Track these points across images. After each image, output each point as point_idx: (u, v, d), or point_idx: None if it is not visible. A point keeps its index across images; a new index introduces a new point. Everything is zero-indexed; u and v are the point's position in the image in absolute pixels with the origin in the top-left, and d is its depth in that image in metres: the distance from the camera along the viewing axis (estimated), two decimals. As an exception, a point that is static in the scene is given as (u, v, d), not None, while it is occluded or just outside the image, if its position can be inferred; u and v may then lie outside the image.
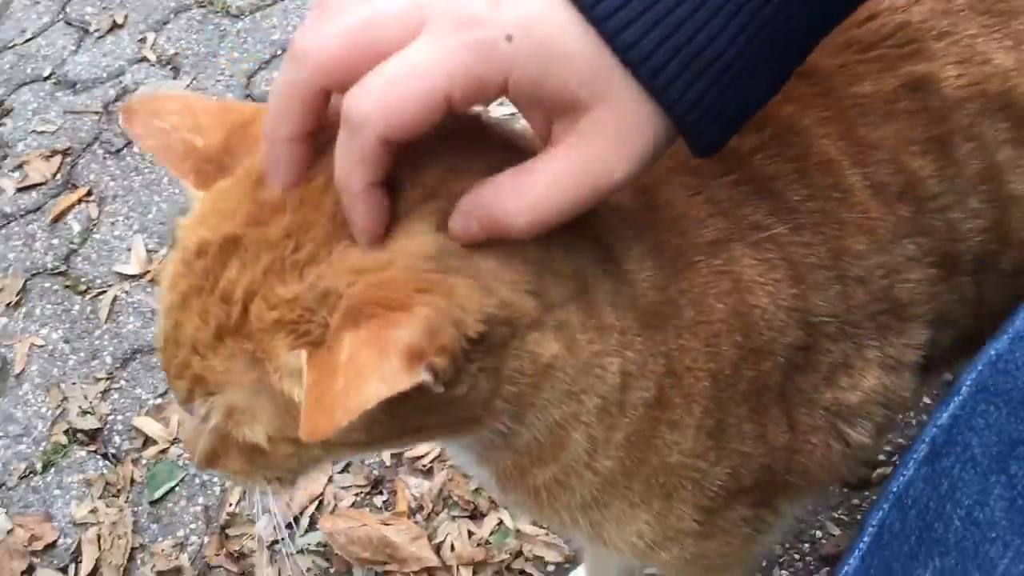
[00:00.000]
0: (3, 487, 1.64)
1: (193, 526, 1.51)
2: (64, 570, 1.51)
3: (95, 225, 1.94)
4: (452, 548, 1.36)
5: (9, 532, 1.56)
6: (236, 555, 1.46)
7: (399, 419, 0.56)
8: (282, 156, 0.53)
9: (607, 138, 0.51)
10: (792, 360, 0.66)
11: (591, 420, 0.62)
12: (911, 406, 1.17)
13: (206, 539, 1.49)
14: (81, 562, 1.50)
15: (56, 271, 1.87)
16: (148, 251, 1.85)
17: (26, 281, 1.87)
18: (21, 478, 1.64)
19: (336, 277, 0.51)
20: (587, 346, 0.59)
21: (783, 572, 1.20)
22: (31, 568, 1.52)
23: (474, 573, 1.33)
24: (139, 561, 1.49)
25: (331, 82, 0.49)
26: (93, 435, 1.65)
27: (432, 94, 0.47)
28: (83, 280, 1.85)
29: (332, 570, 1.41)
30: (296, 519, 1.48)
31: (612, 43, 0.47)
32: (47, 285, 1.86)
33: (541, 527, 1.34)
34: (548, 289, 0.56)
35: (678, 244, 0.63)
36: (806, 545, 1.21)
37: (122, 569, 1.47)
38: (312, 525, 1.46)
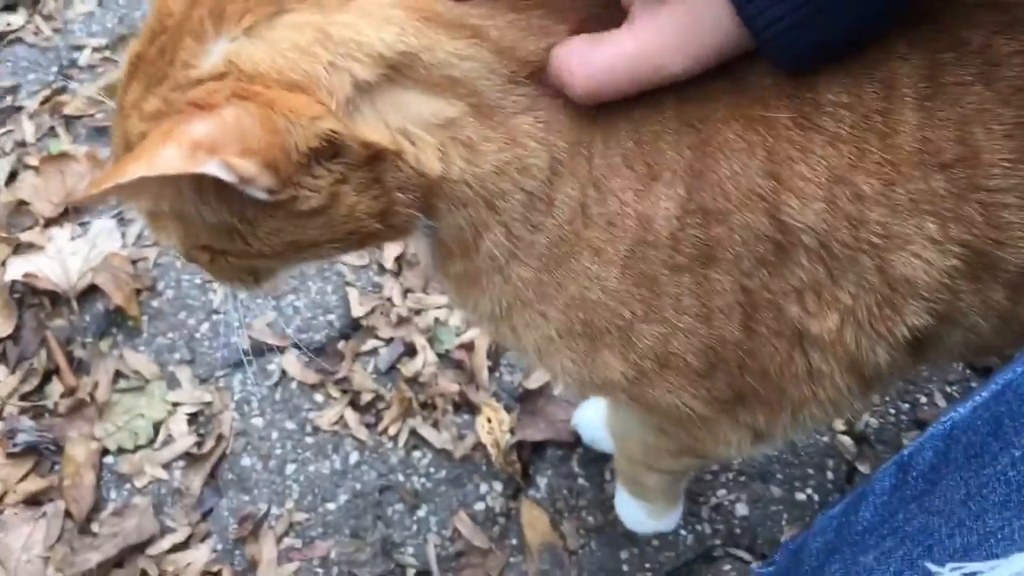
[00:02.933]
0: None
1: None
2: None
3: None
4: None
5: None
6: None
7: (264, 234, 0.59)
8: None
9: (674, 33, 0.54)
10: (760, 254, 0.60)
11: (513, 218, 0.62)
12: (899, 378, 1.19)
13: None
14: None
15: None
16: None
17: None
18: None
19: (183, 87, 0.55)
20: (493, 154, 0.58)
21: (872, 419, 1.34)
22: None
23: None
24: None
25: None
26: None
27: None
28: None
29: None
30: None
31: None
32: None
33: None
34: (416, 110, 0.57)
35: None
36: (906, 404, 1.32)
37: None
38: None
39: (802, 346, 0.65)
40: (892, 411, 1.32)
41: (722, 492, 1.27)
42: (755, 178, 0.59)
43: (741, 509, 1.25)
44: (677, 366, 0.66)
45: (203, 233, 0.61)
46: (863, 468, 1.28)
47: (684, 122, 0.59)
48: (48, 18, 2.00)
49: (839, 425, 1.31)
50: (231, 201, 0.57)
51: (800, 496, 1.26)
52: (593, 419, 1.24)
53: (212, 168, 0.51)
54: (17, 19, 2.00)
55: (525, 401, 1.36)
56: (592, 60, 0.56)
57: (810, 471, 1.28)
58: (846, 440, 1.30)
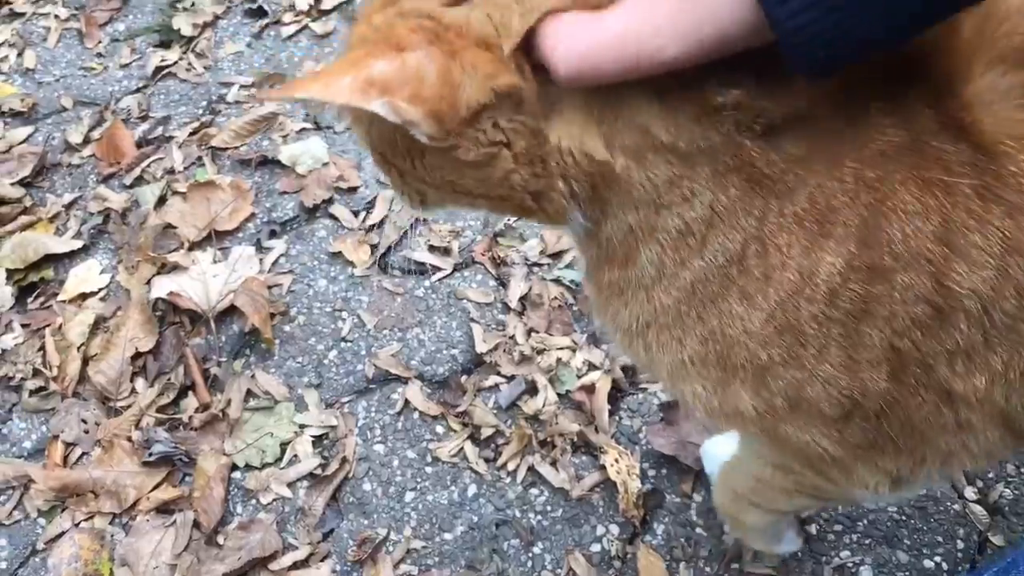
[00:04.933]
0: (330, 129, 1.88)
1: (472, 223, 1.69)
2: (356, 213, 1.74)
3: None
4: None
5: (324, 164, 1.81)
6: (498, 260, 1.63)
7: (428, 166, 0.64)
8: None
9: (670, 12, 0.49)
10: (916, 315, 0.59)
11: (666, 241, 0.62)
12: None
13: (479, 237, 1.68)
14: (372, 212, 1.73)
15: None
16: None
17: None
18: (347, 128, 1.85)
19: (399, 15, 0.58)
20: (664, 166, 0.58)
21: (1006, 489, 1.27)
22: (330, 200, 1.76)
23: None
24: (418, 231, 1.69)
25: None
26: None
27: None
28: None
29: (575, 307, 1.55)
30: (560, 253, 1.63)
31: None
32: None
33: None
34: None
35: (836, 130, 0.56)
36: None
37: (402, 231, 1.69)
38: (571, 265, 1.60)
39: (950, 401, 0.64)
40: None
41: (846, 553, 1.24)
42: (926, 242, 0.57)
43: (865, 572, 1.22)
44: (809, 410, 0.66)
45: (379, 142, 0.66)
46: (996, 539, 1.23)
47: (862, 181, 0.58)
48: (200, 56, 2.11)
49: (971, 493, 1.27)
50: (401, 128, 0.59)
51: (928, 563, 1.22)
52: (719, 453, 1.21)
53: (377, 107, 0.54)
54: (171, 55, 2.12)
55: (664, 410, 1.38)
56: (579, 40, 0.52)
57: (939, 538, 1.24)
58: (978, 509, 1.25)
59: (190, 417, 1.48)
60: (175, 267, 1.66)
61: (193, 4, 2.23)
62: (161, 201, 1.80)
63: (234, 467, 1.42)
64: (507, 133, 0.59)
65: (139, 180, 1.86)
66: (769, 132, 0.57)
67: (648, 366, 0.72)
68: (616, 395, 1.42)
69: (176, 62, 2.11)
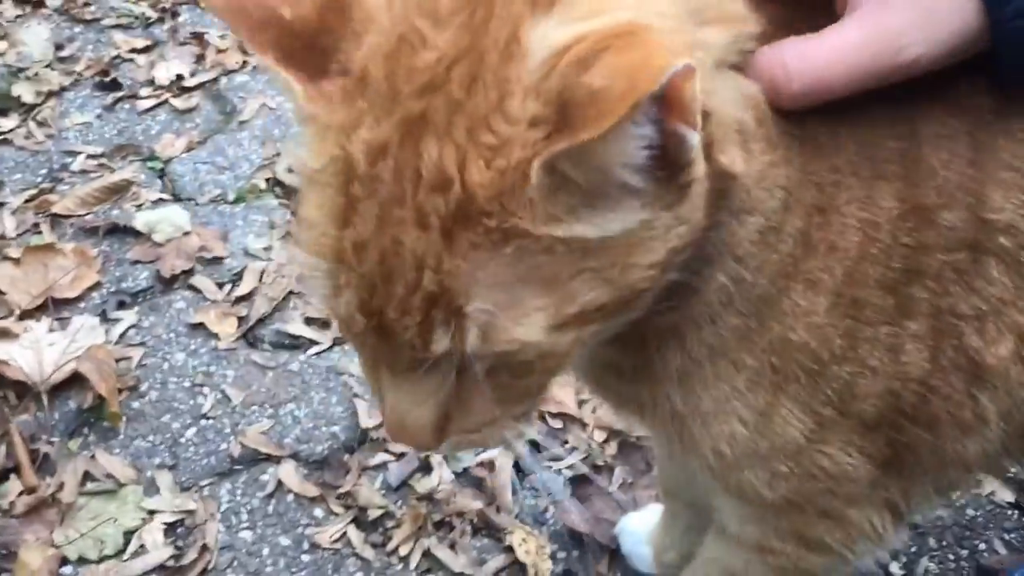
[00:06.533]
0: (192, 201, 1.73)
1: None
2: (220, 285, 1.57)
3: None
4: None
5: (186, 234, 1.65)
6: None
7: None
8: None
9: (914, 10, 0.49)
10: (956, 260, 0.57)
11: (746, 251, 0.56)
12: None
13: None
14: (239, 284, 1.57)
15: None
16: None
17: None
18: (211, 200, 1.73)
19: (535, 89, 0.44)
20: (759, 156, 0.53)
21: (931, 564, 1.24)
22: (191, 271, 1.59)
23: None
24: (292, 304, 1.53)
25: None
26: (291, 190, 1.70)
27: None
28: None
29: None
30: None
31: None
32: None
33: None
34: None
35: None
36: (965, 551, 1.23)
37: (274, 303, 1.52)
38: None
39: (975, 383, 0.61)
40: (951, 556, 1.23)
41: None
42: (962, 167, 0.56)
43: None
44: (854, 413, 0.62)
45: (584, 287, 0.48)
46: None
47: (896, 115, 0.56)
48: (42, 124, 1.94)
49: (896, 568, 1.21)
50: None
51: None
52: (638, 531, 1.15)
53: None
54: (8, 123, 1.94)
55: (577, 485, 1.26)
56: (811, 54, 0.51)
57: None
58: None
59: (11, 503, 1.24)
60: (4, 334, 1.43)
61: (37, 74, 2.06)
62: (-13, 267, 1.58)
63: (64, 561, 1.19)
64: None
65: (-39, 246, 1.63)
66: None
67: (673, 419, 0.64)
68: (518, 472, 1.29)
69: (13, 129, 1.92)
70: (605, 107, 0.40)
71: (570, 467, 1.30)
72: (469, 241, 0.45)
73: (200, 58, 2.11)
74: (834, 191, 0.56)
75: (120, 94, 2.02)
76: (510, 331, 0.47)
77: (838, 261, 0.57)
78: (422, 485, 1.27)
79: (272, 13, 0.48)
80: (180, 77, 2.04)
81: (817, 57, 0.51)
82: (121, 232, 1.67)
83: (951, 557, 1.23)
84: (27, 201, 1.74)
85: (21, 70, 2.08)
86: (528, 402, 0.58)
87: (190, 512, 1.24)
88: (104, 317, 1.51)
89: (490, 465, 1.29)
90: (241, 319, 1.51)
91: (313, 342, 1.47)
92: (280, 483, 1.28)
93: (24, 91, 2.01)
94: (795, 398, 0.61)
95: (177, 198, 1.76)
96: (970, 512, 1.26)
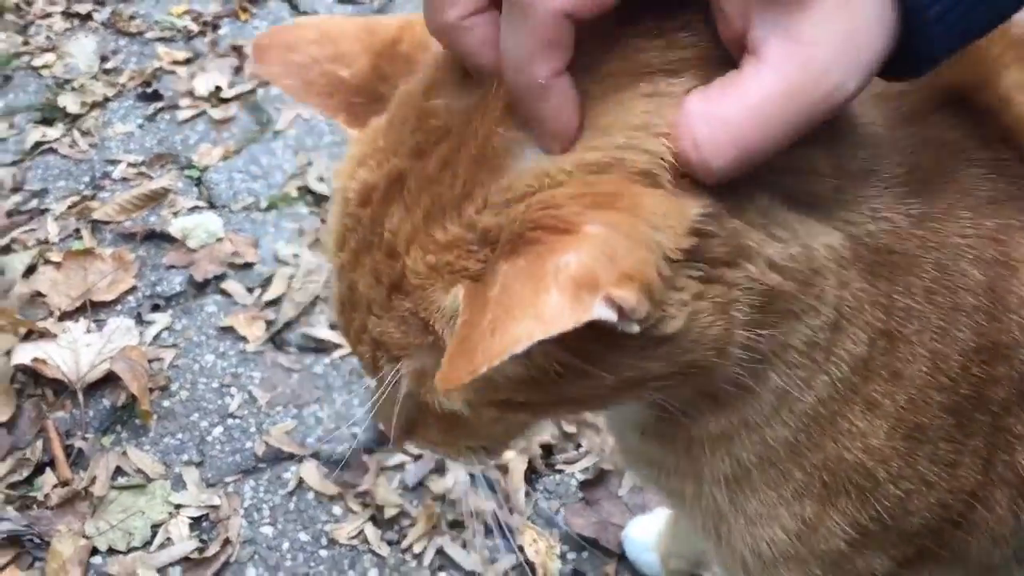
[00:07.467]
0: (226, 208, 1.79)
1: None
2: (250, 290, 1.62)
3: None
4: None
5: (218, 240, 1.71)
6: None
7: (607, 363, 0.45)
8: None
9: (835, 38, 0.40)
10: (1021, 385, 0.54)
11: (793, 361, 0.51)
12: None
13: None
14: (268, 289, 1.61)
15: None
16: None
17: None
18: (244, 208, 1.79)
19: (498, 206, 0.42)
20: (805, 260, 0.47)
21: None
22: (223, 276, 1.64)
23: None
24: (318, 309, 1.57)
25: None
26: (321, 199, 1.78)
27: None
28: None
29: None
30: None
31: None
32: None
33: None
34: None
35: (940, 185, 0.51)
36: None
37: (301, 307, 1.57)
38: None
39: (1019, 498, 0.59)
40: None
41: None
42: None
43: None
44: (901, 525, 0.59)
45: (505, 385, 0.47)
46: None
47: (984, 234, 0.51)
48: (86, 133, 2.01)
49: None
50: (578, 341, 0.40)
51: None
52: (643, 539, 1.15)
53: (600, 311, 0.37)
54: (53, 132, 2.01)
55: (584, 489, 1.28)
56: (721, 116, 0.40)
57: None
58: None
59: (46, 495, 1.29)
60: (43, 334, 1.49)
61: (82, 85, 2.13)
62: (30, 271, 1.65)
63: (95, 551, 1.24)
64: (700, 275, 0.44)
65: (6, 249, 1.70)
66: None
67: (716, 519, 0.62)
68: (531, 475, 1.32)
69: (58, 139, 1.99)
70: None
71: (583, 470, 1.33)
72: (400, 313, 0.46)
73: (238, 70, 2.18)
74: (904, 318, 0.51)
75: (161, 104, 2.08)
76: (437, 391, 0.47)
77: (902, 388, 0.53)
78: (437, 486, 1.30)
79: (333, 78, 0.51)
80: (219, 88, 2.11)
81: (733, 118, 0.40)
82: (157, 238, 1.73)
83: None
84: (70, 207, 1.81)
85: (67, 81, 2.15)
86: (479, 442, 0.57)
87: (215, 507, 1.29)
88: (139, 319, 1.57)
89: (504, 468, 1.32)
90: (269, 323, 1.56)
91: (337, 346, 1.52)
92: (301, 481, 1.32)
93: (69, 102, 2.08)
94: (843, 511, 0.58)
95: (212, 205, 1.81)
96: None
